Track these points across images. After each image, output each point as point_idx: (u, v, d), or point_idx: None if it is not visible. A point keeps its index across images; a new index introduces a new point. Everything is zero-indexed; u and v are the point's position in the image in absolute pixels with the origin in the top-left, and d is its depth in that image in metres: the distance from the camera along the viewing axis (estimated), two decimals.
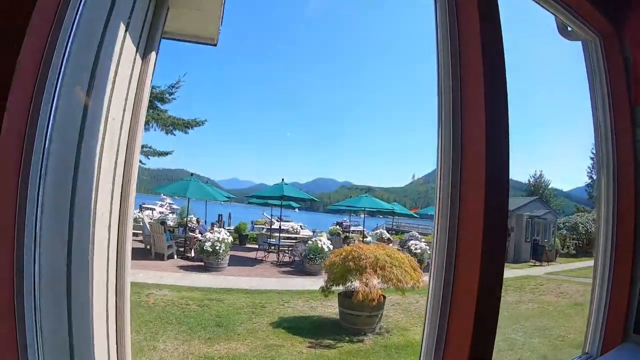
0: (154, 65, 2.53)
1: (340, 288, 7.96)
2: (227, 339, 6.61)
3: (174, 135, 20.43)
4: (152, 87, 19.61)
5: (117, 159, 2.05)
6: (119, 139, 2.07)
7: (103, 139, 1.80)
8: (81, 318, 1.62)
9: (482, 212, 1.56)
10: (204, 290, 9.89)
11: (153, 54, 2.36)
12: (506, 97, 1.68)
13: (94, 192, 1.74)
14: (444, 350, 1.69)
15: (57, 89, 1.32)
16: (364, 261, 7.49)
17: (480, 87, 1.63)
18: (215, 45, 3.35)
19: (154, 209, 36.23)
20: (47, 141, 1.29)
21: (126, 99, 2.11)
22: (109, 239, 2.02)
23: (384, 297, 7.76)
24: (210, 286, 10.50)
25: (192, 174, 18.03)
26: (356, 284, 7.58)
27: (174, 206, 38.35)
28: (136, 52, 2.15)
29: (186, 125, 20.49)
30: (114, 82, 1.85)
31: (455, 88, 1.74)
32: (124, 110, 2.10)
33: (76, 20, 1.40)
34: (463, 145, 1.69)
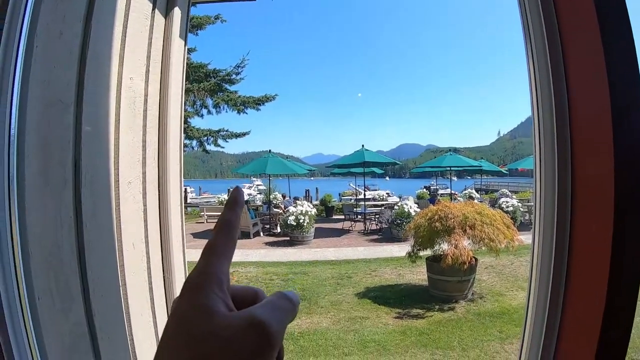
0: (185, 25, 2.37)
1: (428, 252, 7.49)
2: (310, 312, 6.54)
3: (246, 114, 20.87)
4: (218, 71, 20.26)
5: (145, 127, 1.89)
6: (145, 107, 1.90)
7: (118, 103, 1.63)
8: (106, 295, 1.48)
9: (610, 142, 1.09)
10: (289, 265, 10.00)
11: (177, 10, 2.16)
12: None
13: (112, 160, 1.58)
14: (559, 332, 1.29)
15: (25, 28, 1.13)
16: (452, 221, 6.91)
17: None
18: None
19: None
20: (13, 91, 1.11)
21: (148, 57, 1.93)
22: (144, 209, 1.88)
23: (476, 260, 7.15)
24: (295, 260, 10.63)
25: (269, 151, 18.22)
26: (444, 246, 7.04)
27: (261, 187, 39.59)
28: (154, 7, 1.95)
29: (257, 102, 20.77)
30: (123, 34, 1.66)
31: None
32: (147, 69, 1.92)
33: None
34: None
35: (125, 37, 1.67)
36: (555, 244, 1.26)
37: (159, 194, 2.05)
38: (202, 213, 20.13)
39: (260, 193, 32.69)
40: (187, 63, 2.46)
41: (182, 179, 2.37)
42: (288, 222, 13.03)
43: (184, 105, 2.45)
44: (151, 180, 1.96)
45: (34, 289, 1.14)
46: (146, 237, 1.88)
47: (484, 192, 28.42)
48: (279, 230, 15.28)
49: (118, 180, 1.61)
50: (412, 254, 7.53)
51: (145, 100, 1.90)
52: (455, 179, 23.66)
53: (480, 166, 23.15)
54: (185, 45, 2.39)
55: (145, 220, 1.88)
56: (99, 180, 1.47)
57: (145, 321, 1.79)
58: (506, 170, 26.83)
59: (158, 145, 2.05)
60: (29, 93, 1.14)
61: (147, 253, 1.88)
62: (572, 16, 1.23)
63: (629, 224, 1.06)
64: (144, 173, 1.88)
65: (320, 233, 14.82)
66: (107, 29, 1.54)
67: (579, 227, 1.22)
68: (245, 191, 38.29)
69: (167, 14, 2.12)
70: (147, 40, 1.93)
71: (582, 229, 1.21)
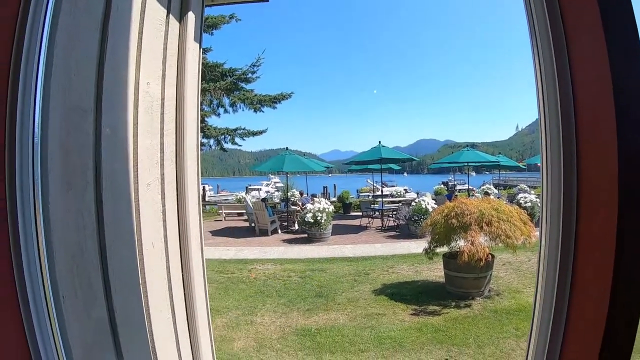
0: (200, 29, 2.41)
1: (445, 249, 7.42)
2: (327, 309, 6.57)
3: (263, 112, 21.17)
4: (234, 70, 20.48)
5: (162, 130, 1.94)
6: (162, 110, 1.95)
7: (136, 108, 1.68)
8: (127, 293, 1.53)
9: (614, 142, 1.08)
10: (307, 262, 10.06)
11: (190, 14, 2.21)
12: None
13: (131, 163, 1.63)
14: (566, 327, 1.31)
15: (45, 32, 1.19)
16: (468, 217, 6.83)
17: None
18: (267, 0, 3.14)
19: (260, 189, 37.94)
20: (36, 99, 1.16)
21: (164, 62, 1.98)
22: (163, 210, 1.94)
23: (493, 257, 7.04)
24: (313, 257, 10.68)
25: (287, 148, 18.25)
26: (461, 243, 6.95)
27: (279, 184, 39.77)
28: (168, 13, 2.00)
29: (273, 101, 21.05)
30: (139, 40, 1.71)
31: None
32: (163, 73, 1.97)
33: None
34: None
35: (141, 43, 1.72)
36: (562, 242, 1.27)
37: (177, 195, 2.11)
38: (220, 211, 20.40)
39: (278, 190, 32.79)
40: (203, 63, 2.52)
41: (200, 179, 2.42)
42: (306, 220, 13.09)
43: (201, 104, 2.50)
44: (169, 182, 2.01)
45: (58, 288, 1.20)
46: (165, 236, 1.93)
47: (502, 188, 28.05)
48: (296, 227, 15.40)
49: (137, 183, 1.65)
50: (428, 250, 7.47)
51: (162, 104, 1.94)
52: (473, 174, 23.32)
53: (498, 161, 22.74)
54: (200, 48, 2.43)
55: (164, 221, 1.93)
56: (119, 183, 1.52)
57: (165, 318, 1.84)
58: (524, 165, 26.31)
59: (176, 147, 2.11)
60: (50, 100, 1.20)
61: (166, 252, 1.93)
62: (577, 18, 1.24)
63: (633, 222, 1.08)
64: (162, 175, 1.93)
65: (338, 230, 14.86)
66: (123, 35, 1.59)
67: (584, 226, 1.23)
68: (263, 189, 38.58)
69: (181, 18, 2.16)
70: (162, 45, 1.97)
71: (588, 227, 1.22)
